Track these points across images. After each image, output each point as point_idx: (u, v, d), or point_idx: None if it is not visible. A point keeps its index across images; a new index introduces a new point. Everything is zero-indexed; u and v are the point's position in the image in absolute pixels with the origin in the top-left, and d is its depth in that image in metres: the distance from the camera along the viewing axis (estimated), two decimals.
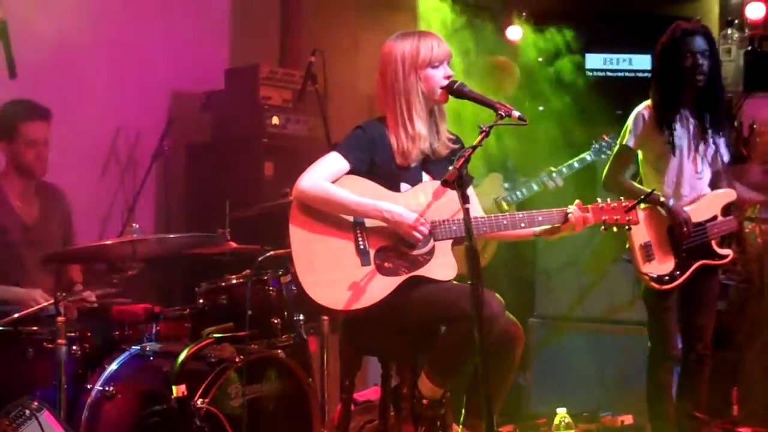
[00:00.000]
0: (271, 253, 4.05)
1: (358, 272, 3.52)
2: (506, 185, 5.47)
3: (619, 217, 3.69)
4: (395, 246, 3.59)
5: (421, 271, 3.58)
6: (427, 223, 3.54)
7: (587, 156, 5.38)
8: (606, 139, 5.36)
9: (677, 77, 4.37)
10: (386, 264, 3.57)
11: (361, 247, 3.56)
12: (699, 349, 4.46)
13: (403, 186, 3.67)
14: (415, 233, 3.52)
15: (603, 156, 5.35)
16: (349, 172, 3.60)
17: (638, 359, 5.05)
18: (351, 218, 3.58)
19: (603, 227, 3.71)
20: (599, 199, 3.71)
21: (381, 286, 3.52)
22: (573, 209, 3.64)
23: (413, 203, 3.60)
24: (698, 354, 4.46)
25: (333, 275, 3.50)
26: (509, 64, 5.82)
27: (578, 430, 4.73)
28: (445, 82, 3.64)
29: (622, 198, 3.74)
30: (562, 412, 4.51)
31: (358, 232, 3.58)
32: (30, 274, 4.41)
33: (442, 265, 3.60)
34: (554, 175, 5.32)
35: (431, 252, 3.61)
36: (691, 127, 4.43)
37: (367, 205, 3.54)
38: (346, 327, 3.82)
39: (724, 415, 5.15)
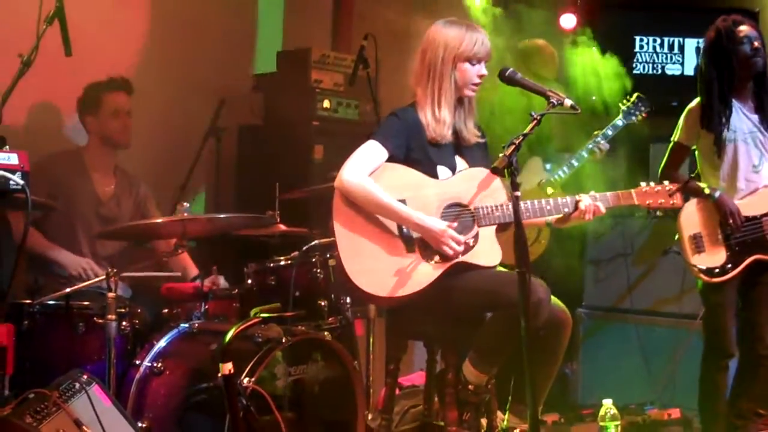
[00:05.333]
0: (316, 242, 4.08)
1: (403, 259, 3.53)
2: (548, 167, 5.40)
3: (663, 200, 3.75)
4: None
5: (466, 257, 3.59)
6: (459, 238, 3.52)
7: (618, 121, 5.28)
8: (633, 101, 5.27)
9: (734, 65, 4.28)
10: (430, 250, 3.56)
11: (405, 232, 3.56)
12: (759, 350, 4.32)
13: (440, 169, 3.68)
14: (445, 248, 3.51)
15: (634, 118, 5.27)
16: (387, 159, 3.62)
17: (686, 353, 5.01)
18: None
19: (648, 212, 3.78)
20: (642, 183, 3.75)
21: (426, 273, 3.53)
22: (584, 197, 3.66)
23: (454, 190, 3.61)
24: (758, 354, 4.34)
25: (378, 263, 3.51)
26: (548, 48, 5.71)
27: (624, 422, 4.68)
28: (478, 80, 3.70)
29: (666, 182, 3.76)
30: (608, 403, 4.46)
31: None
32: (92, 246, 4.53)
33: (487, 251, 3.60)
34: (590, 146, 5.24)
35: (475, 238, 3.61)
36: (746, 119, 4.36)
37: (402, 214, 3.53)
38: (391, 311, 3.82)
39: None
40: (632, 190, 3.75)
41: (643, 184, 3.76)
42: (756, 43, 4.27)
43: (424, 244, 3.57)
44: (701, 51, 4.46)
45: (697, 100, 4.42)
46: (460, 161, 3.75)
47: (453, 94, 3.68)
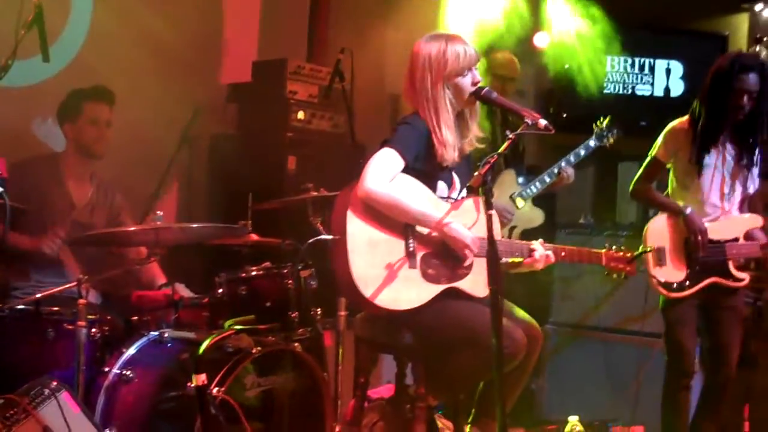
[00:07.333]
0: (323, 237, 4.02)
1: (405, 274, 3.54)
2: (521, 180, 5.46)
3: (622, 266, 3.87)
4: (440, 254, 3.62)
5: (459, 284, 3.63)
6: (475, 247, 3.57)
7: (591, 142, 5.35)
8: (607, 123, 5.35)
9: (722, 109, 4.34)
10: (430, 270, 3.59)
11: (411, 249, 3.57)
12: (724, 372, 4.43)
13: (440, 184, 3.70)
14: (467, 251, 3.55)
15: (604, 141, 5.35)
16: None
17: (651, 370, 5.06)
18: None
19: (606, 272, 3.89)
20: (607, 245, 3.89)
21: (423, 291, 3.56)
22: (537, 245, 3.70)
23: (459, 218, 3.61)
24: (723, 377, 4.44)
25: (382, 272, 3.51)
26: (506, 54, 5.72)
27: None
28: (473, 89, 3.66)
29: (623, 248, 3.89)
30: (573, 419, 4.52)
31: (409, 233, 3.58)
32: (65, 250, 4.49)
33: (478, 282, 3.62)
34: (563, 164, 5.30)
35: (470, 267, 3.64)
36: (725, 151, 4.42)
37: (429, 218, 3.56)
38: (366, 323, 3.84)
39: None
40: (603, 252, 3.86)
41: (607, 245, 3.89)
42: (746, 99, 4.29)
43: (426, 265, 3.59)
44: (711, 75, 4.41)
45: (680, 119, 4.48)
46: (455, 176, 3.77)
47: (451, 113, 3.66)
